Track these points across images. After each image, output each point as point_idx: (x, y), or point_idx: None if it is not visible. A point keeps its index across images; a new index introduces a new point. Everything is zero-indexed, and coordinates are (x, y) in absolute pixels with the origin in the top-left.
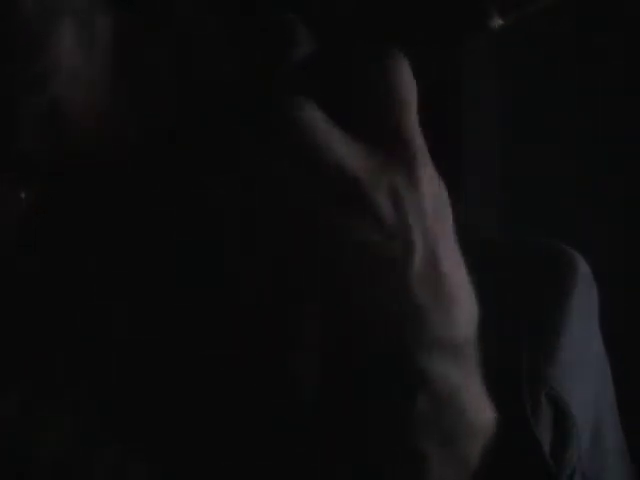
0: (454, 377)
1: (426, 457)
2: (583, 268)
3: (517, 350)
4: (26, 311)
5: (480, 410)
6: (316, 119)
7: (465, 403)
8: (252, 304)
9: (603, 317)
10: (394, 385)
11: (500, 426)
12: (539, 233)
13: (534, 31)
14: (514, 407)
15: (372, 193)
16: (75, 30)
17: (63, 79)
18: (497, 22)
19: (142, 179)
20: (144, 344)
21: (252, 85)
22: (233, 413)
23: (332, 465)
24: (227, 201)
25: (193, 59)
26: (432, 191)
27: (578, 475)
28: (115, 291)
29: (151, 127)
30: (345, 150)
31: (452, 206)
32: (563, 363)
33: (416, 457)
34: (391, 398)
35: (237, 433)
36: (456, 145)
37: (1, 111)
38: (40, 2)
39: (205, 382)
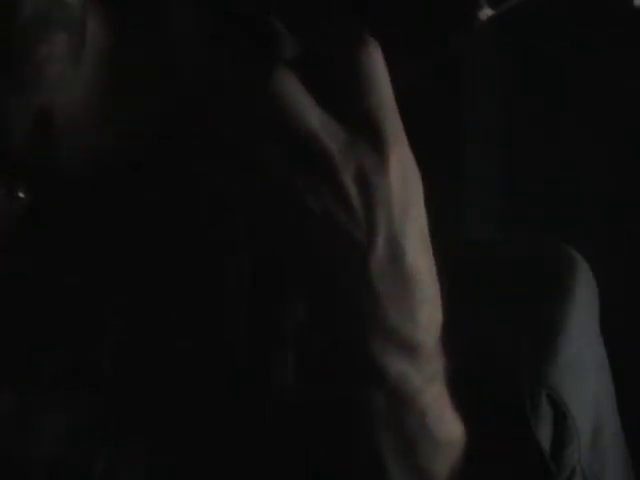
0: (413, 379)
1: (385, 464)
2: (583, 268)
3: (517, 350)
4: (22, 309)
5: (444, 421)
6: (293, 90)
7: (426, 410)
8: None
9: (603, 317)
10: (349, 375)
11: (500, 426)
12: (539, 233)
13: (534, 29)
14: (514, 407)
15: (339, 170)
16: (66, 37)
17: (53, 84)
18: (487, 13)
19: (134, 179)
20: (138, 344)
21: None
22: (221, 413)
23: (291, 462)
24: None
25: (181, 60)
26: (402, 177)
27: (578, 475)
28: (112, 288)
29: (141, 128)
30: (318, 124)
31: (452, 206)
32: (563, 363)
33: (375, 463)
34: (347, 390)
35: (225, 432)
36: (457, 145)
37: None
38: (35, 10)
39: (199, 381)
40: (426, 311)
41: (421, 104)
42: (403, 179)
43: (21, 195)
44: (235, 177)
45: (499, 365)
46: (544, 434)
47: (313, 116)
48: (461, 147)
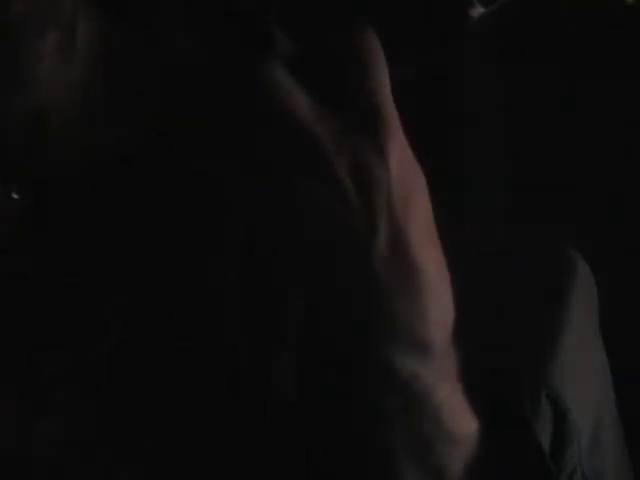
0: (424, 378)
1: (400, 466)
2: (583, 268)
3: (517, 350)
4: (23, 309)
5: (458, 418)
6: (281, 81)
7: (440, 408)
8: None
9: (603, 317)
10: (360, 375)
11: (500, 426)
12: (539, 233)
13: (534, 29)
14: (514, 407)
15: (332, 159)
16: (58, 39)
17: (47, 86)
18: (478, 11)
19: (133, 178)
20: (138, 344)
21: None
22: (221, 413)
23: (290, 462)
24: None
25: (179, 60)
26: (401, 166)
27: (578, 475)
28: (112, 288)
29: (140, 127)
30: (307, 112)
31: (452, 207)
32: (563, 363)
33: (388, 464)
34: (358, 390)
35: (225, 432)
36: (457, 145)
37: None
38: (26, 12)
39: (195, 383)
40: (436, 309)
41: (421, 104)
42: (402, 168)
43: (15, 196)
44: (235, 177)
45: (499, 365)
46: (544, 434)
47: (302, 105)
48: (461, 147)
